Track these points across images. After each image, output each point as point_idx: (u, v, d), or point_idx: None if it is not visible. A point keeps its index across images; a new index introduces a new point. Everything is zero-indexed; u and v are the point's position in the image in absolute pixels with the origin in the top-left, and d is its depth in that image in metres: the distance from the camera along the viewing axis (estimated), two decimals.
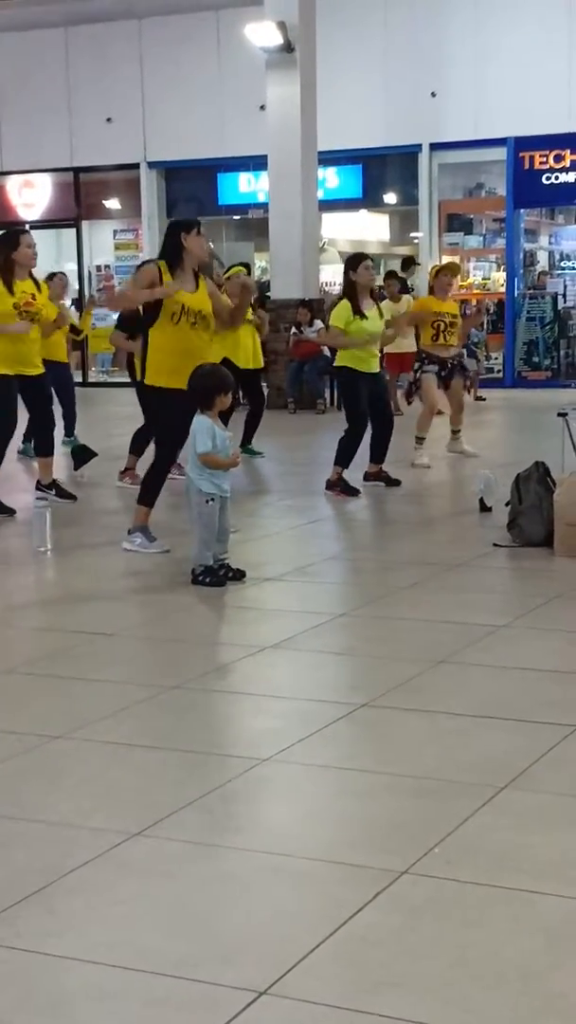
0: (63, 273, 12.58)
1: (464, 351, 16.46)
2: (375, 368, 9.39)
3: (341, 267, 10.08)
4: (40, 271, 9.76)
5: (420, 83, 18.81)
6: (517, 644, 5.25)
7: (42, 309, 8.69)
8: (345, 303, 9.24)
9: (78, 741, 4.14)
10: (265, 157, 17.18)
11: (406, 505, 9.05)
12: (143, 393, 8.02)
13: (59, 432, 9.98)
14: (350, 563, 7.34)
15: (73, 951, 2.79)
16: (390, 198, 20.84)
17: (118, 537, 7.39)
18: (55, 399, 11.24)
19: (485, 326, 18.92)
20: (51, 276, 11.64)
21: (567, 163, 18.62)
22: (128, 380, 10.58)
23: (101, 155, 21.04)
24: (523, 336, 19.36)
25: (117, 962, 2.74)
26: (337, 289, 12.13)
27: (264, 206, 18.34)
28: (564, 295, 19.65)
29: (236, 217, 21.65)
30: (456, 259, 17.85)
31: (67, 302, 13.05)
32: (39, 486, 9.10)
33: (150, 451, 7.96)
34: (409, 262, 18.87)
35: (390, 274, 17.16)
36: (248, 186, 20.64)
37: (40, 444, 9.13)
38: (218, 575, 6.34)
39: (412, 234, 21.29)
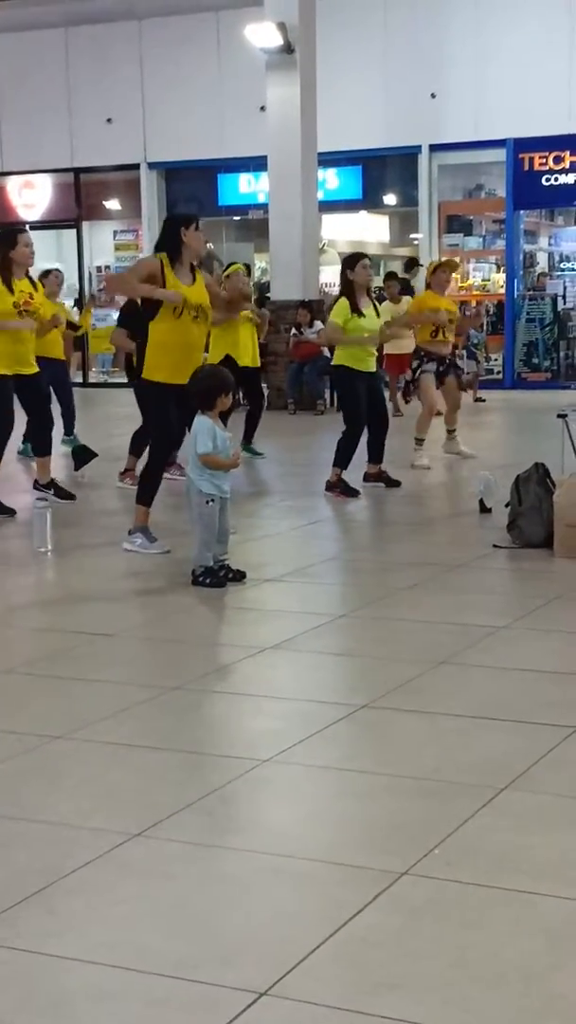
0: (58, 270, 12.54)
1: (464, 352, 16.51)
2: (372, 367, 9.41)
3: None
4: (38, 271, 9.77)
5: (420, 84, 18.82)
6: (517, 645, 5.25)
7: (39, 308, 8.73)
8: (344, 301, 9.27)
9: (78, 742, 4.14)
10: (265, 158, 17.19)
11: (406, 506, 9.05)
12: (141, 392, 8.02)
13: (58, 431, 9.98)
14: (350, 564, 7.34)
15: (73, 952, 2.79)
16: (390, 199, 20.84)
17: (118, 538, 7.39)
18: (54, 397, 11.27)
19: (485, 327, 18.92)
20: (46, 273, 11.61)
21: (567, 164, 18.63)
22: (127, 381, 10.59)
23: (101, 156, 21.05)
24: (523, 337, 19.35)
25: (117, 963, 2.74)
26: (336, 290, 12.12)
27: (264, 207, 18.35)
28: (564, 296, 19.65)
29: (236, 218, 21.66)
30: (456, 260, 17.84)
31: (68, 303, 13.03)
32: (36, 485, 9.11)
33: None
34: (412, 263, 18.88)
35: (390, 275, 17.18)
36: (248, 187, 20.64)
37: (38, 443, 9.13)
38: (218, 576, 6.34)
39: (412, 235, 21.30)
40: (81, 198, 21.81)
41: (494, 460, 10.19)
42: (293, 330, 16.69)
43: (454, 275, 12.70)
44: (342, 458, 9.22)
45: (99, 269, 22.15)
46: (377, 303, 10.02)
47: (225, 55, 19.79)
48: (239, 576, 6.41)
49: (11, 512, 8.61)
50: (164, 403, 7.13)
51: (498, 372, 19.33)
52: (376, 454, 9.57)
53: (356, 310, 9.20)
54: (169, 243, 7.18)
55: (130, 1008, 2.59)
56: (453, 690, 4.66)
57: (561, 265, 20.52)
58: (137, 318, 7.73)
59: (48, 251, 20.52)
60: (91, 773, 3.88)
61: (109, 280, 7.35)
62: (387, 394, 13.86)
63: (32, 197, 22.13)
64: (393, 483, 9.52)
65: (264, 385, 13.18)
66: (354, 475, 9.38)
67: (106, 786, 3.77)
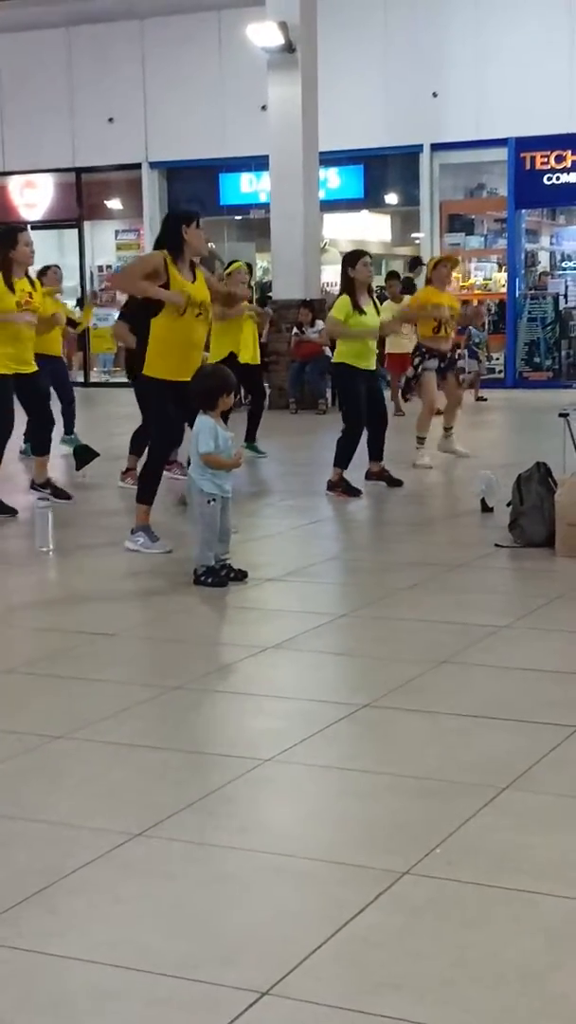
0: (56, 266, 12.48)
1: (466, 351, 16.50)
2: (372, 365, 9.42)
3: None
4: (36, 268, 9.76)
5: (421, 83, 18.82)
6: (518, 645, 5.25)
7: (40, 307, 8.75)
8: (345, 298, 9.26)
9: (79, 741, 4.14)
10: (266, 157, 17.19)
11: (407, 506, 9.05)
12: (141, 389, 8.02)
13: (57, 430, 9.96)
14: (351, 563, 7.34)
15: (74, 951, 2.79)
16: (391, 198, 20.85)
17: (120, 537, 7.39)
18: (54, 396, 11.26)
19: (486, 327, 18.92)
20: (44, 270, 11.56)
21: (568, 163, 18.63)
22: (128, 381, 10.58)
23: (103, 155, 21.06)
24: (524, 337, 19.36)
25: (118, 962, 2.74)
26: (337, 289, 12.10)
27: (265, 206, 18.35)
28: (565, 295, 19.65)
29: (238, 217, 21.66)
30: (457, 255, 17.83)
31: (71, 303, 13.01)
32: (33, 485, 9.09)
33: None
34: (416, 262, 18.88)
35: (392, 274, 17.17)
36: (249, 186, 20.65)
37: (37, 442, 9.12)
38: (220, 575, 6.34)
39: (413, 234, 21.30)
40: (83, 198, 21.82)
41: (496, 459, 10.18)
42: (295, 329, 16.69)
43: (455, 274, 12.69)
44: (342, 457, 9.22)
45: (101, 268, 22.17)
46: (378, 302, 10.02)
47: (226, 54, 19.80)
48: (241, 576, 6.41)
49: (12, 512, 8.61)
50: (164, 400, 7.14)
51: (500, 371, 19.33)
52: (376, 452, 9.58)
53: (357, 307, 9.21)
54: (170, 241, 7.18)
55: (131, 1008, 2.59)
56: (454, 689, 4.66)
57: (563, 264, 20.52)
58: (140, 314, 7.73)
59: (50, 251, 20.51)
60: (92, 773, 3.88)
61: (113, 278, 7.30)
62: (388, 393, 13.88)
63: (34, 197, 22.14)
64: (395, 482, 9.52)
65: (266, 385, 13.19)
66: (355, 474, 9.38)
67: (107, 786, 3.77)
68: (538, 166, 18.81)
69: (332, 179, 19.98)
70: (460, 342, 15.50)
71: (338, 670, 5.14)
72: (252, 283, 16.35)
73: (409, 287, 16.24)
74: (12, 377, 8.56)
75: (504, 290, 19.65)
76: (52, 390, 11.13)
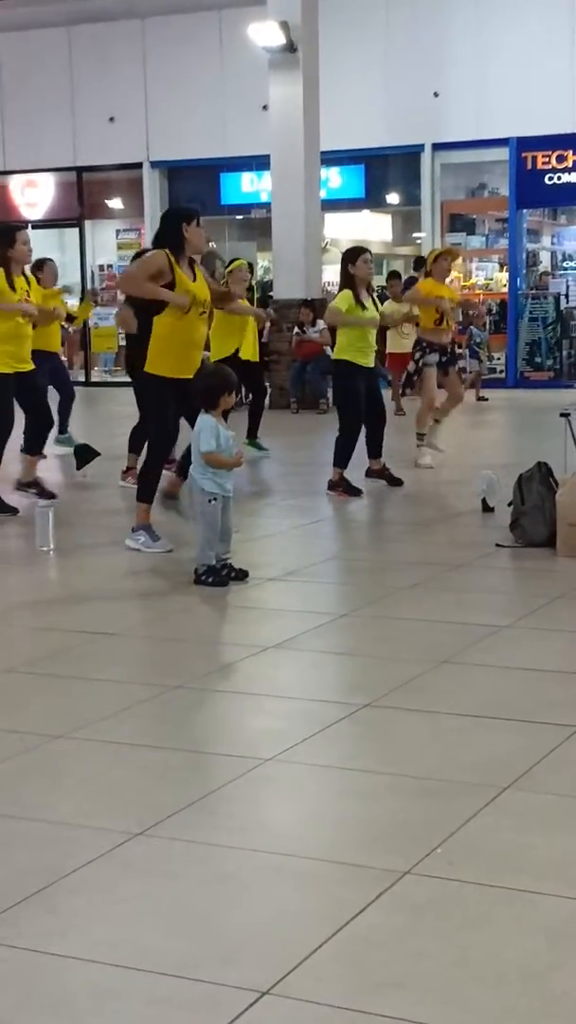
0: (51, 260, 12.41)
1: (467, 351, 16.49)
2: (371, 363, 9.42)
3: None
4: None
5: (422, 83, 18.81)
6: (519, 644, 5.24)
7: (39, 303, 8.79)
8: (347, 292, 9.25)
9: (80, 741, 4.14)
10: (267, 157, 17.18)
11: (408, 505, 9.05)
12: (140, 386, 8.01)
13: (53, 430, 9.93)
14: (352, 563, 7.33)
15: (75, 951, 2.79)
16: (392, 198, 20.84)
17: (120, 537, 7.39)
18: (55, 393, 11.26)
19: (487, 326, 18.91)
20: (39, 265, 11.44)
21: (569, 163, 18.62)
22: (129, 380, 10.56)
23: (104, 155, 21.05)
24: (526, 336, 19.35)
25: (119, 962, 2.74)
26: (337, 288, 12.12)
27: (267, 206, 18.34)
28: (567, 295, 19.63)
29: (239, 217, 21.65)
30: (458, 260, 17.83)
31: (72, 302, 12.96)
32: (19, 486, 9.02)
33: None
34: (422, 262, 18.85)
35: (393, 274, 17.17)
36: (251, 186, 20.65)
37: (32, 441, 9.05)
38: (221, 575, 6.34)
39: (415, 234, 21.28)
40: (84, 197, 21.82)
41: (497, 459, 10.18)
42: (296, 329, 16.69)
43: (456, 274, 12.68)
44: (342, 457, 9.22)
45: (101, 268, 22.17)
46: (378, 301, 10.02)
47: (228, 54, 19.80)
48: (241, 575, 6.41)
49: (13, 511, 8.60)
50: (164, 398, 7.14)
51: (501, 371, 19.32)
52: (375, 450, 9.58)
53: (359, 302, 9.21)
54: (171, 239, 7.16)
55: (131, 1007, 2.59)
56: (455, 689, 4.65)
57: (564, 264, 20.51)
58: (142, 310, 7.72)
59: (51, 250, 20.47)
60: (92, 772, 3.88)
61: (118, 281, 7.16)
62: (389, 393, 13.88)
63: (35, 196, 22.14)
64: (395, 481, 9.52)
65: (266, 383, 13.21)
66: (355, 473, 9.38)
67: (107, 785, 3.77)
68: (539, 166, 18.81)
69: (333, 179, 19.97)
70: (461, 341, 15.49)
71: (339, 670, 5.13)
72: (253, 282, 16.38)
73: (409, 287, 16.22)
74: (13, 376, 8.57)
75: (505, 290, 19.64)
76: (52, 388, 11.15)
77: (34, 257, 9.04)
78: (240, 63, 19.10)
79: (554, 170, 18.75)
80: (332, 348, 10.09)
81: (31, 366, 8.73)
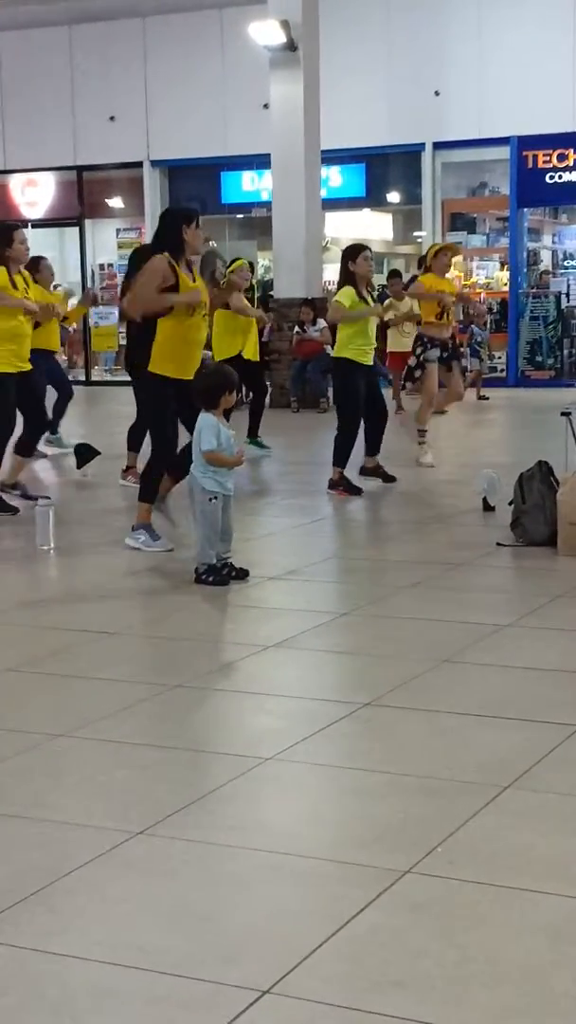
0: (46, 258, 12.33)
1: (468, 350, 16.48)
2: (371, 361, 9.43)
3: None
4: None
5: (423, 82, 18.81)
6: (520, 643, 5.24)
7: (38, 301, 8.81)
8: (349, 288, 9.24)
9: (80, 739, 4.13)
10: (268, 156, 17.18)
11: (409, 504, 9.05)
12: (142, 385, 8.00)
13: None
14: (353, 562, 7.33)
15: (75, 950, 2.79)
16: (393, 197, 20.83)
17: (121, 536, 7.39)
18: (52, 392, 11.24)
19: (488, 325, 18.91)
20: (35, 263, 11.32)
21: (570, 162, 18.62)
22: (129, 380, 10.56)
23: (104, 154, 21.05)
24: (526, 335, 19.34)
25: (119, 961, 2.74)
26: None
27: (267, 205, 18.34)
28: (567, 294, 19.63)
29: (239, 216, 21.65)
30: (459, 258, 17.82)
31: (74, 301, 12.93)
32: (2, 487, 8.94)
33: (148, 447, 7.94)
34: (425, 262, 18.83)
35: (394, 272, 17.16)
36: (251, 185, 20.64)
37: (26, 443, 9.01)
38: (221, 574, 6.34)
39: (415, 233, 21.28)
40: (84, 196, 21.81)
41: (497, 458, 10.18)
42: (296, 328, 16.68)
43: (456, 272, 12.66)
44: (341, 456, 9.23)
45: (102, 267, 22.17)
46: (379, 301, 10.02)
47: (228, 53, 19.79)
48: (242, 574, 6.41)
49: (14, 510, 8.60)
50: (165, 398, 7.15)
51: (502, 370, 19.32)
52: (373, 447, 9.59)
53: (361, 298, 9.22)
54: (171, 241, 7.15)
55: (132, 1006, 2.58)
56: (456, 688, 4.65)
57: (565, 263, 20.50)
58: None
59: (51, 249, 20.49)
60: (93, 771, 3.88)
61: (130, 305, 7.00)
62: (390, 392, 13.88)
63: (35, 195, 22.14)
64: (389, 478, 9.54)
65: (267, 383, 13.22)
66: (354, 471, 9.38)
67: (108, 784, 3.77)
68: (540, 165, 18.80)
69: (334, 177, 19.96)
70: (463, 340, 15.48)
71: (339, 669, 5.13)
72: (254, 282, 16.38)
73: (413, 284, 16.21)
74: (16, 375, 8.57)
75: (506, 289, 19.64)
76: (50, 387, 11.14)
77: (29, 256, 9.03)
78: (241, 62, 19.10)
79: (555, 169, 18.75)
80: (332, 347, 10.08)
81: (29, 366, 8.73)
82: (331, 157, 18.42)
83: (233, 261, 12.01)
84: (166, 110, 20.52)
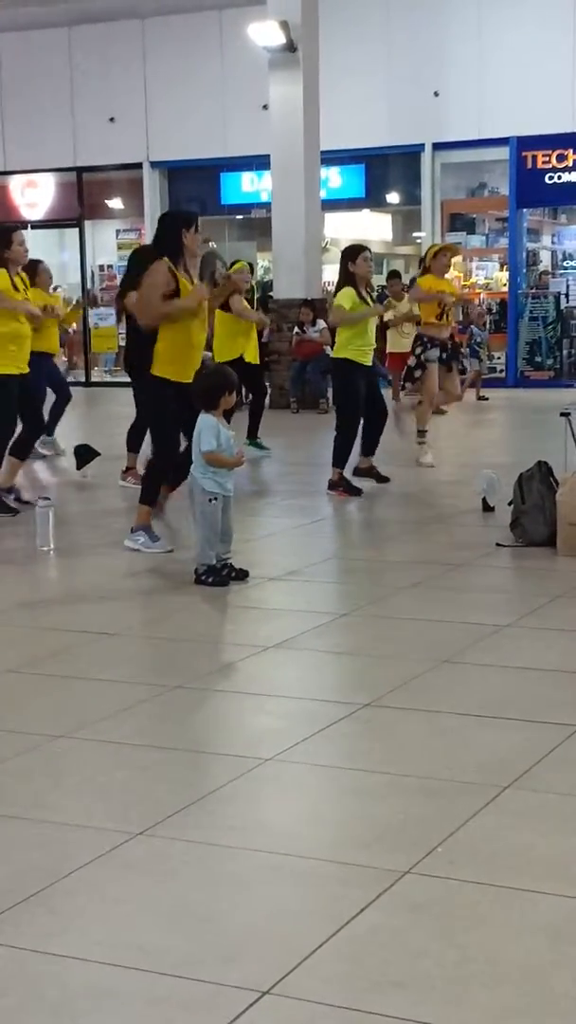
0: (43, 262, 12.28)
1: (467, 350, 16.48)
2: (371, 361, 9.43)
3: None
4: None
5: (423, 83, 18.81)
6: (520, 644, 5.24)
7: (37, 302, 8.82)
8: (349, 289, 9.24)
9: (80, 740, 4.13)
10: (268, 157, 17.18)
11: (408, 505, 9.05)
12: (143, 387, 7.99)
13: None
14: (352, 563, 7.33)
15: (75, 950, 2.79)
16: (393, 198, 20.83)
17: (121, 537, 7.39)
18: (53, 395, 11.24)
19: (487, 325, 18.91)
20: (33, 266, 11.26)
21: (570, 163, 18.61)
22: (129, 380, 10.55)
23: (104, 155, 21.04)
24: (526, 336, 19.34)
25: (119, 961, 2.74)
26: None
27: (267, 206, 18.34)
28: (567, 295, 19.63)
29: (239, 217, 21.65)
30: (458, 259, 17.83)
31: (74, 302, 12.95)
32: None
33: (148, 447, 7.94)
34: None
35: (393, 274, 17.17)
36: (251, 186, 20.64)
37: (22, 445, 8.98)
38: (221, 575, 6.34)
39: (415, 234, 21.29)
40: (84, 197, 21.81)
41: (497, 458, 10.17)
42: (296, 329, 16.69)
43: (456, 273, 12.67)
44: (341, 457, 9.23)
45: (101, 268, 22.16)
46: (379, 302, 10.02)
47: (228, 54, 19.79)
48: (242, 575, 6.41)
49: (13, 511, 8.59)
50: (166, 400, 7.15)
51: (501, 371, 19.31)
52: (370, 447, 9.59)
53: (360, 299, 9.22)
54: (170, 245, 7.16)
55: (131, 1007, 2.58)
56: (456, 689, 4.65)
57: (564, 263, 20.51)
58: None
59: (50, 250, 20.52)
60: (93, 772, 3.88)
61: (141, 315, 6.95)
62: (390, 392, 13.88)
63: (35, 196, 22.13)
64: (383, 479, 9.55)
65: (266, 384, 13.22)
66: (349, 471, 9.39)
67: (108, 785, 3.77)
68: (539, 165, 18.79)
69: (333, 178, 19.96)
70: (462, 341, 15.48)
71: (339, 669, 5.13)
72: (253, 282, 16.37)
73: (410, 286, 16.22)
74: (18, 377, 8.56)
75: (505, 289, 19.64)
76: (49, 389, 11.14)
77: (28, 257, 9.03)
78: (240, 63, 19.09)
79: (554, 169, 18.75)
80: (332, 347, 10.08)
81: (27, 369, 8.72)
82: (330, 158, 18.42)
83: (233, 263, 12.03)
84: (166, 111, 20.52)
